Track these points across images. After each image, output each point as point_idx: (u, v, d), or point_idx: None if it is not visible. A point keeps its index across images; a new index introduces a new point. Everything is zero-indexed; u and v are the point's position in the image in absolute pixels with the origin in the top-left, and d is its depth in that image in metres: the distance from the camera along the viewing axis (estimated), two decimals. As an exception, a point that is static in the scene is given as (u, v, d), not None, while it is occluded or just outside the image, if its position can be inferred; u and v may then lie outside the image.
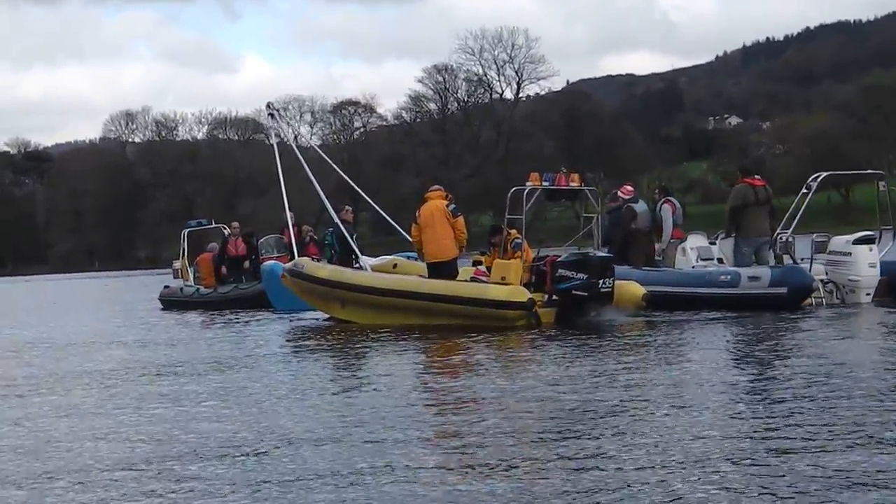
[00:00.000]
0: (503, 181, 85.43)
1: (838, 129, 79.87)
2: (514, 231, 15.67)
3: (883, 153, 79.26)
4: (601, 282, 14.68)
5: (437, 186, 17.00)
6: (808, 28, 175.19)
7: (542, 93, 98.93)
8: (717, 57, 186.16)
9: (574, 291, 14.55)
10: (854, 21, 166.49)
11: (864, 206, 66.78)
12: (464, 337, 13.17)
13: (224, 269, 25.07)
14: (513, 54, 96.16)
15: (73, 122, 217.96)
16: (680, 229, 18.07)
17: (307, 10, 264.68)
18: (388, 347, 12.79)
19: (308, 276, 16.99)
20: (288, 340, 14.79)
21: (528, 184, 14.97)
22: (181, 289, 26.01)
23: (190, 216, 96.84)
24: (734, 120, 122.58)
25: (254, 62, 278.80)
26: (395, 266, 18.38)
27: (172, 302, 25.62)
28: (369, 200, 20.59)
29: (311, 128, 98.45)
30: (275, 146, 20.49)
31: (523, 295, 14.44)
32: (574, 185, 15.46)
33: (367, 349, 12.72)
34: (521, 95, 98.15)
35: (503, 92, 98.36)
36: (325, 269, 17.07)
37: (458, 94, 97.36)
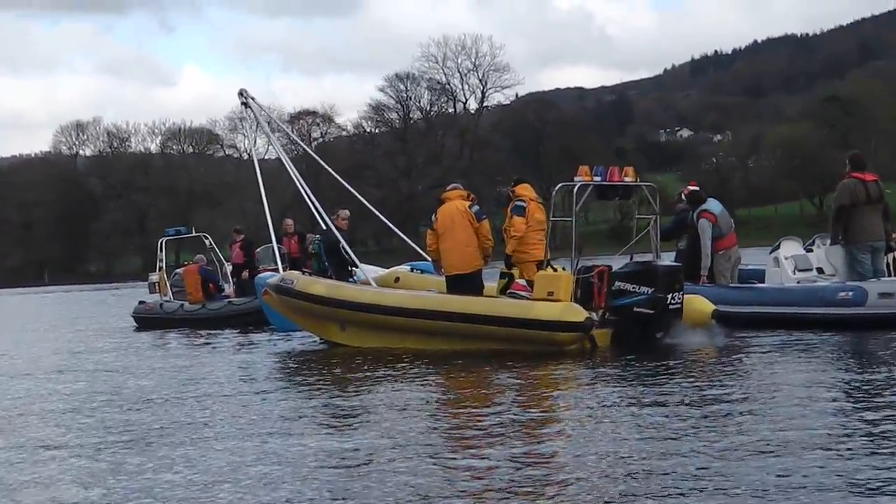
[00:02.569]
0: (469, 190, 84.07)
1: (810, 138, 79.18)
2: (525, 188, 13.68)
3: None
4: (670, 296, 12.47)
5: (456, 184, 14.51)
6: (755, 41, 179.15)
7: (507, 102, 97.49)
8: (665, 70, 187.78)
9: (637, 309, 12.33)
10: (801, 34, 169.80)
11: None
12: (503, 366, 11.03)
13: (211, 286, 22.71)
14: (477, 62, 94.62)
15: (13, 135, 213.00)
16: (731, 234, 15.08)
17: (243, 23, 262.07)
18: (403, 380, 10.54)
19: (300, 294, 14.45)
20: (280, 369, 12.61)
21: (577, 178, 12.60)
22: (161, 305, 23.37)
23: (143, 229, 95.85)
24: (685, 132, 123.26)
25: (193, 74, 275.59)
26: (397, 280, 16.09)
27: (150, 320, 22.89)
28: (368, 205, 18.22)
29: (268, 138, 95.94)
30: (251, 140, 18.38)
31: (579, 314, 12.09)
32: (629, 179, 13.01)
33: (379, 382, 10.50)
34: (485, 104, 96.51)
35: (467, 100, 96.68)
36: (320, 285, 14.52)
37: (421, 103, 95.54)
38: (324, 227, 16.50)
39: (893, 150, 75.43)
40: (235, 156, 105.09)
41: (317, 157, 21.03)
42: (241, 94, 16.94)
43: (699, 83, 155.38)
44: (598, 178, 12.73)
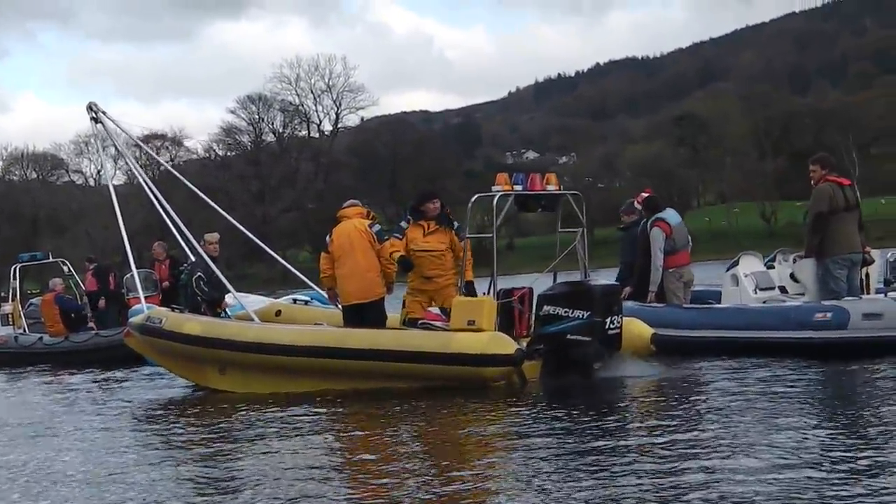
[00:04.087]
0: (323, 215, 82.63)
1: (665, 157, 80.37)
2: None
3: (711, 179, 79.77)
4: (608, 320, 10.95)
5: (354, 201, 12.89)
6: (597, 64, 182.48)
7: (359, 122, 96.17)
8: (509, 93, 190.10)
9: (571, 336, 10.80)
10: (642, 57, 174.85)
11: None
12: (413, 408, 9.69)
13: (73, 315, 20.44)
14: (331, 83, 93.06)
15: None
16: (686, 251, 13.43)
17: (78, 49, 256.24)
18: (295, 433, 9.03)
19: (171, 334, 12.58)
20: (149, 422, 10.81)
21: (495, 188, 11.32)
22: (15, 338, 21.08)
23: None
24: (531, 154, 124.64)
25: (29, 100, 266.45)
26: (278, 313, 14.38)
27: (3, 355, 20.51)
28: (242, 227, 16.35)
29: (116, 162, 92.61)
30: (101, 160, 16.66)
31: (508, 345, 10.63)
32: (553, 188, 11.67)
33: (267, 436, 8.97)
34: (339, 126, 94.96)
35: (321, 122, 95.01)
36: (194, 322, 12.73)
37: (274, 125, 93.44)
38: (192, 255, 14.93)
39: (747, 167, 77.01)
40: (80, 181, 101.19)
41: (178, 174, 19.34)
42: (90, 108, 15.27)
43: (544, 106, 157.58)
44: (518, 187, 11.33)
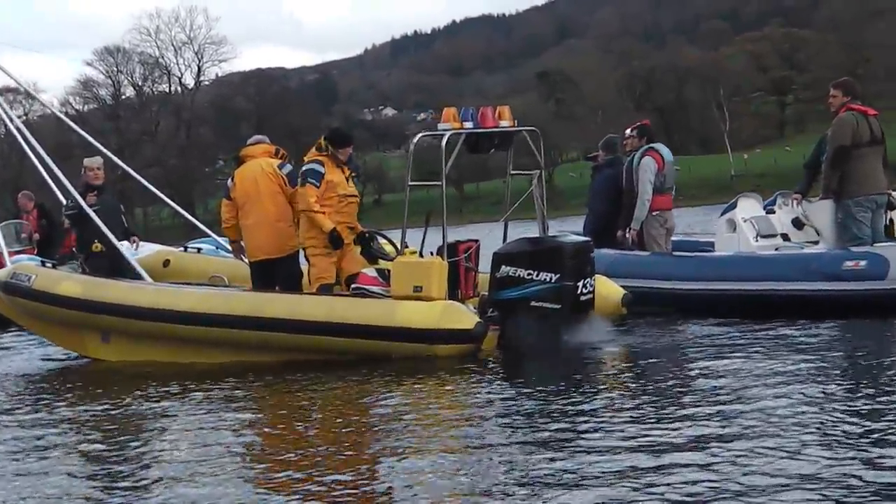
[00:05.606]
0: (185, 170, 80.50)
1: (537, 112, 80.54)
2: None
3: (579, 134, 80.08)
4: (580, 284, 9.40)
5: (261, 137, 11.23)
6: (454, 21, 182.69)
7: (218, 77, 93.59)
8: (365, 50, 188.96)
9: (536, 303, 9.27)
10: (497, 15, 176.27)
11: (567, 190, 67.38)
12: (347, 385, 8.37)
13: None
14: (192, 35, 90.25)
15: None
16: (670, 195, 11.86)
17: None
18: (199, 410, 8.00)
19: (42, 295, 10.82)
20: (27, 394, 9.64)
21: (443, 125, 9.70)
22: None
23: None
24: (389, 111, 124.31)
25: None
26: (166, 263, 12.78)
27: None
28: (132, 171, 14.63)
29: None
30: None
31: (467, 318, 9.04)
32: (506, 123, 10.02)
33: (163, 413, 7.97)
34: (202, 79, 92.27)
35: (182, 75, 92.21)
36: (72, 281, 10.93)
37: (133, 78, 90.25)
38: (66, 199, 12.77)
39: (619, 123, 77.75)
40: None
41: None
42: None
43: (400, 63, 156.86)
44: (469, 124, 9.83)
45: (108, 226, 11.75)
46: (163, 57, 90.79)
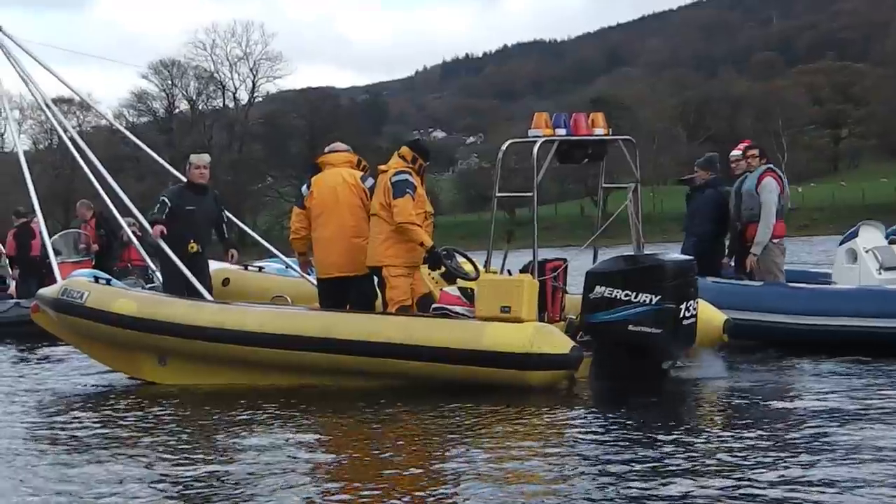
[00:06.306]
0: (235, 186, 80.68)
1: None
2: (399, 162, 9.64)
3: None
4: (682, 307, 8.71)
5: (342, 145, 10.46)
6: (505, 46, 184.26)
7: (279, 90, 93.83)
8: (416, 72, 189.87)
9: (634, 327, 8.67)
10: (549, 40, 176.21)
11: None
12: (424, 416, 7.88)
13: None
14: (247, 50, 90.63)
15: None
16: (783, 222, 11.15)
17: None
18: (270, 430, 7.65)
19: (95, 313, 10.22)
20: (78, 410, 9.22)
21: (533, 132, 9.07)
22: None
23: None
24: (439, 133, 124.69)
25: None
26: (225, 282, 12.13)
27: None
28: (181, 176, 14.18)
29: (20, 126, 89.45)
30: (6, 111, 14.61)
31: (561, 342, 8.49)
32: (601, 132, 9.36)
33: (235, 443, 7.52)
34: (256, 95, 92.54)
35: (237, 90, 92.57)
36: (127, 299, 10.28)
37: (188, 92, 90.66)
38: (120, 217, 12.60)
39: (674, 150, 77.12)
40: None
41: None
42: None
43: (451, 86, 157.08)
44: (562, 132, 9.18)
45: (198, 232, 11.10)
46: (217, 72, 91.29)
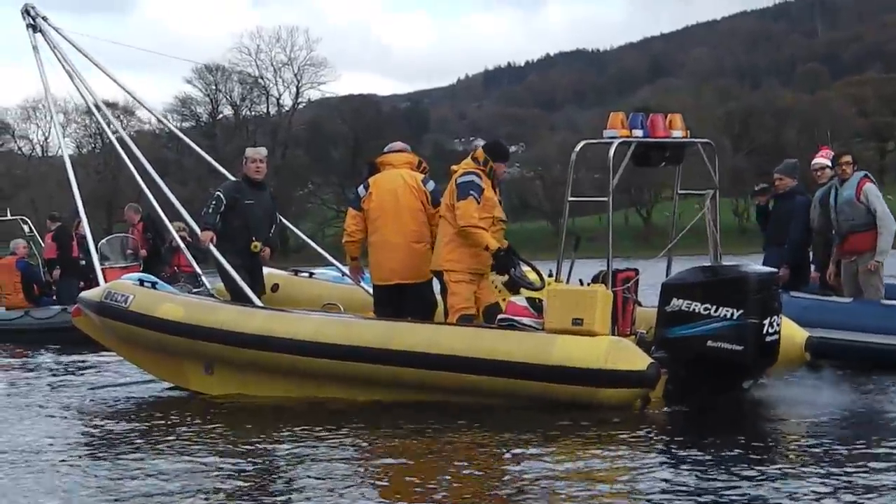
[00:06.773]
0: (279, 192, 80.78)
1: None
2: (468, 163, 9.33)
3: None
4: (766, 323, 8.29)
5: (402, 145, 10.09)
6: (547, 55, 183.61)
7: (323, 96, 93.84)
8: (458, 80, 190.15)
9: (713, 343, 8.26)
10: (592, 50, 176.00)
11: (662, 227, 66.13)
12: (490, 439, 7.47)
13: (36, 287, 17.88)
14: (292, 56, 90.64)
15: None
16: None
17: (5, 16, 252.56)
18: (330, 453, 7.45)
19: (140, 318, 9.94)
20: (126, 422, 8.95)
21: (609, 133, 8.64)
22: None
23: None
24: (480, 142, 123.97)
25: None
26: (275, 288, 11.65)
27: None
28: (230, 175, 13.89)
29: (65, 129, 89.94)
30: (53, 115, 14.56)
31: (639, 358, 8.10)
32: (678, 133, 8.94)
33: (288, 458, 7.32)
34: (300, 101, 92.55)
35: (280, 96, 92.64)
36: (174, 304, 9.99)
37: (232, 97, 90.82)
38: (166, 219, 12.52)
39: (720, 162, 76.44)
40: (27, 149, 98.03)
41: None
42: (26, 11, 11.94)
43: (492, 94, 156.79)
44: (639, 133, 8.73)
45: (257, 228, 10.71)
46: (262, 77, 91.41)
